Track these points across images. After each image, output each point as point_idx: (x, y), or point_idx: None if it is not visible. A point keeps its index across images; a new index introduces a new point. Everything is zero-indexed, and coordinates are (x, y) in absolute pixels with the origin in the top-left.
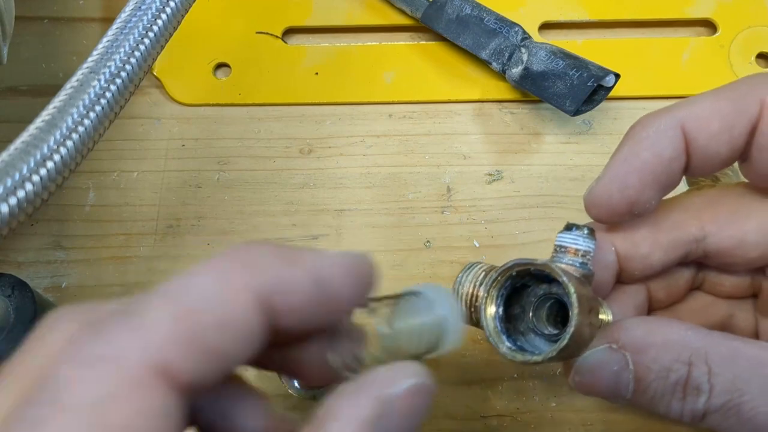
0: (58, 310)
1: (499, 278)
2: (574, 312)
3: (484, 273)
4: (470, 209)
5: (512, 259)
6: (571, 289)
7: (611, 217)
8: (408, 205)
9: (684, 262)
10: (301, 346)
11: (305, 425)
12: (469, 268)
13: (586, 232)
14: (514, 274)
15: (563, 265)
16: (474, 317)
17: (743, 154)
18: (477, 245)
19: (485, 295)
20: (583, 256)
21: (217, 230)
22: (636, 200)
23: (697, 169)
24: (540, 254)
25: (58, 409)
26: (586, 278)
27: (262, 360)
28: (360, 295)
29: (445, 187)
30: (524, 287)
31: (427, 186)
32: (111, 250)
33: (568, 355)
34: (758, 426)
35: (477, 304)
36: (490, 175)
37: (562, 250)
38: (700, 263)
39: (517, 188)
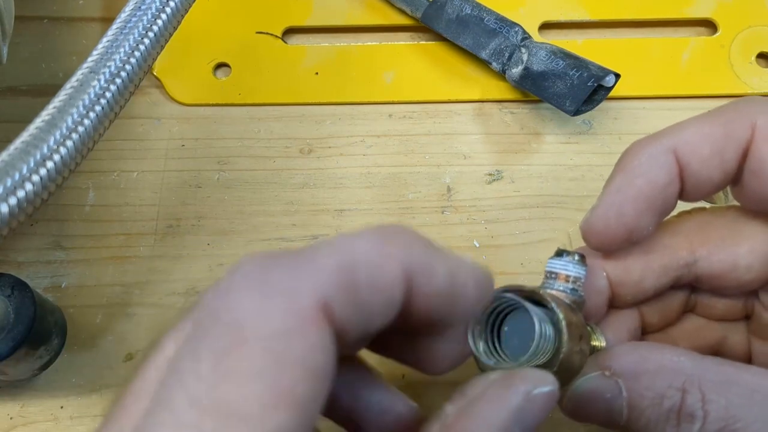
0: (241, 261)
1: (487, 305)
2: (563, 339)
3: None
4: (470, 209)
5: (503, 286)
6: (560, 316)
7: (610, 246)
8: (408, 205)
9: (676, 285)
10: (426, 337)
11: (454, 397)
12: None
13: (576, 258)
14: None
15: (554, 292)
16: None
17: (734, 178)
18: (477, 245)
19: (475, 318)
20: (573, 282)
21: (217, 230)
22: (633, 228)
23: (690, 194)
24: (540, 254)
25: (240, 340)
26: (576, 305)
27: (386, 343)
28: (476, 305)
29: (445, 187)
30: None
31: (427, 186)
32: (111, 250)
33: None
34: None
35: None
36: (490, 175)
37: (553, 276)
38: (692, 286)
39: (517, 188)
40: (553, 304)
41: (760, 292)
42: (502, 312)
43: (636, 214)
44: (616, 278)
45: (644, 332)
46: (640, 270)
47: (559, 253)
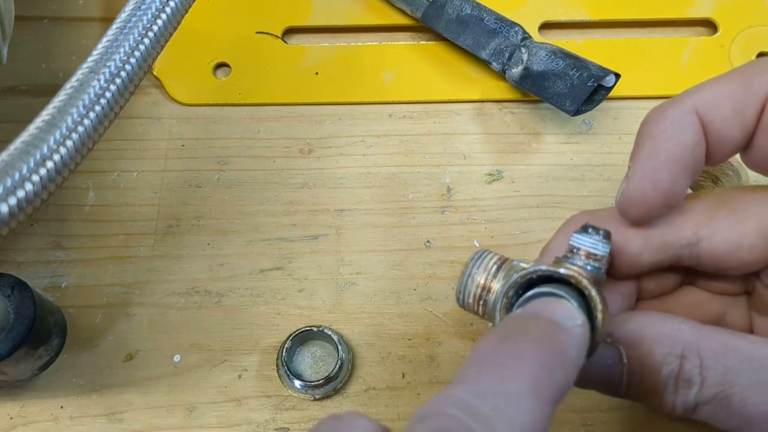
0: None
1: (519, 281)
2: (598, 326)
3: (496, 266)
4: (470, 209)
5: (534, 264)
6: (599, 306)
7: (649, 215)
8: (408, 205)
9: (676, 266)
10: None
11: None
12: (479, 257)
13: (603, 234)
14: (534, 278)
15: (576, 268)
16: (481, 309)
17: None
18: (477, 245)
19: (502, 296)
20: (599, 260)
21: (217, 230)
22: (670, 192)
23: (713, 155)
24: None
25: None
26: (598, 283)
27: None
28: None
29: (445, 187)
30: (529, 287)
31: (427, 186)
32: (111, 250)
33: None
34: (748, 416)
35: (487, 297)
36: (490, 175)
37: (578, 251)
38: (692, 270)
39: (517, 188)
40: (593, 292)
41: (761, 273)
42: (527, 288)
43: (672, 179)
44: (615, 247)
45: (640, 298)
46: (640, 243)
47: (586, 229)
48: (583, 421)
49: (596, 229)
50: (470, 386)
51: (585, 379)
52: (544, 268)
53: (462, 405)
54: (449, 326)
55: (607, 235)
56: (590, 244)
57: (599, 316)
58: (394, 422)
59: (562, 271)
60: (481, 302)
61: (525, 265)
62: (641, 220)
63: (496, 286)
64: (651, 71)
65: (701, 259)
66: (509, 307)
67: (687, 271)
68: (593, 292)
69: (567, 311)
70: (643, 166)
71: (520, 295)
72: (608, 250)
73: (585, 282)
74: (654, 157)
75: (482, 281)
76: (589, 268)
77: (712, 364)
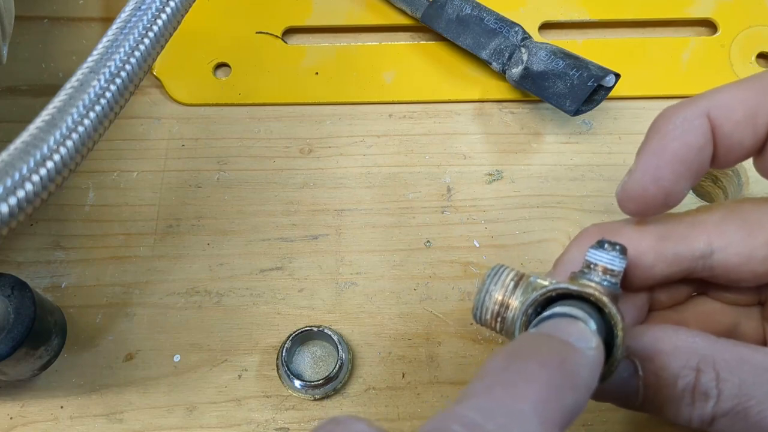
0: None
1: (538, 298)
2: (618, 343)
3: (513, 282)
4: (470, 209)
5: (553, 281)
6: (620, 324)
7: (647, 210)
8: (408, 205)
9: (688, 278)
10: None
11: None
12: (495, 273)
13: (619, 249)
14: (554, 295)
15: (592, 284)
16: (499, 326)
17: (762, 147)
18: (477, 245)
19: (522, 313)
20: (615, 276)
21: (217, 230)
22: (671, 191)
23: (721, 159)
24: (540, 254)
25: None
26: (615, 298)
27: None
28: None
29: (445, 187)
30: (548, 303)
31: (427, 186)
32: (111, 250)
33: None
34: (765, 429)
35: (505, 314)
36: (490, 175)
37: (594, 267)
38: (704, 281)
39: (517, 188)
40: (614, 310)
41: None
42: (546, 305)
43: (673, 177)
44: (627, 262)
45: (652, 309)
46: (653, 256)
47: (601, 244)
48: (583, 421)
49: (612, 245)
50: (477, 403)
51: (601, 393)
52: (563, 285)
53: (467, 422)
54: (449, 326)
55: (624, 251)
56: (607, 260)
57: (620, 334)
58: (394, 422)
59: (581, 289)
60: (499, 319)
61: (543, 282)
62: (638, 215)
63: (515, 302)
64: (651, 71)
65: (714, 271)
66: (528, 325)
67: (699, 282)
68: (614, 310)
69: (581, 332)
70: (646, 162)
71: (539, 312)
72: (625, 266)
73: (605, 300)
74: (659, 155)
75: (500, 297)
76: (605, 284)
77: (727, 376)
